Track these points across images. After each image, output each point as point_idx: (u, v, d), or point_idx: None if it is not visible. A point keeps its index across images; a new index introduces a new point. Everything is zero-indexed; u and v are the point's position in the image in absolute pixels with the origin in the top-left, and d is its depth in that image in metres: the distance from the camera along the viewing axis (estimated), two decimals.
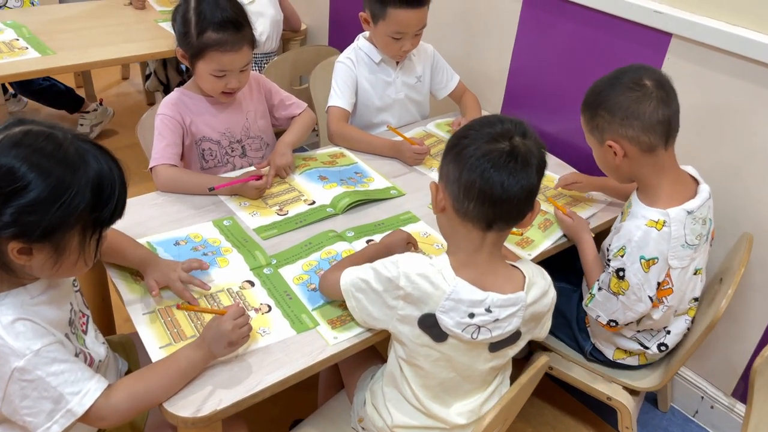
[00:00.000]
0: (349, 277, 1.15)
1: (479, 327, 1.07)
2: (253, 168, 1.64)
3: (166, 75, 3.14)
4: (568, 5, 1.88)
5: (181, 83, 3.23)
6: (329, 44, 2.87)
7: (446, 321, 1.06)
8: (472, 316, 1.05)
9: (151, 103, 3.43)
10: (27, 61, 2.20)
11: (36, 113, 3.22)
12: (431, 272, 1.06)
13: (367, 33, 1.94)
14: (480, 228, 1.07)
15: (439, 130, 1.99)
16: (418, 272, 1.06)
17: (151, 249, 1.34)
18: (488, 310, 1.06)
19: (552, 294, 1.16)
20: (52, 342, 0.95)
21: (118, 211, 0.97)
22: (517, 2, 2.03)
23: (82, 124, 3.05)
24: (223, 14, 1.47)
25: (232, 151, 1.68)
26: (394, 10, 1.74)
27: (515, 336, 1.13)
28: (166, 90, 3.18)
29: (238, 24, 1.49)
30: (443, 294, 1.05)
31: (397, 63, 1.92)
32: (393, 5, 1.74)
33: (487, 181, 1.02)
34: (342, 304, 1.21)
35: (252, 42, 1.53)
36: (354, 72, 1.89)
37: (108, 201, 0.94)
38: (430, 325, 1.07)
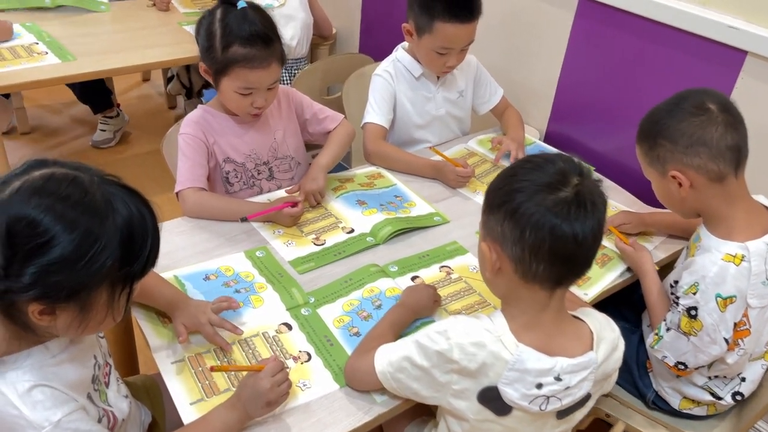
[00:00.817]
0: (385, 358, 1.01)
1: (548, 397, 0.94)
2: (283, 192, 1.53)
3: (189, 78, 3.03)
4: (626, 16, 1.74)
5: (204, 86, 3.14)
6: (360, 51, 2.75)
7: (511, 394, 0.93)
8: (540, 386, 0.93)
9: (173, 106, 3.33)
10: (46, 67, 2.10)
11: (49, 114, 3.14)
12: (489, 340, 0.93)
13: (405, 44, 1.81)
14: (548, 288, 0.94)
15: (482, 147, 1.86)
16: (473, 341, 0.93)
17: (178, 285, 1.23)
18: (558, 378, 0.93)
19: (621, 347, 1.03)
20: (74, 410, 0.84)
21: (150, 262, 0.85)
22: (569, 11, 1.89)
23: (104, 130, 2.95)
24: (252, 27, 1.35)
25: (258, 173, 1.56)
26: (442, 24, 1.61)
27: (585, 399, 1.00)
28: (188, 94, 3.08)
29: (268, 38, 1.37)
30: (505, 364, 0.92)
31: (438, 77, 1.80)
32: (442, 19, 1.61)
33: (560, 239, 0.88)
34: None
35: (282, 58, 1.41)
36: (392, 87, 1.77)
37: (139, 253, 0.82)
38: (491, 398, 0.95)
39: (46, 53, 2.18)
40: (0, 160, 2.06)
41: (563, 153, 0.96)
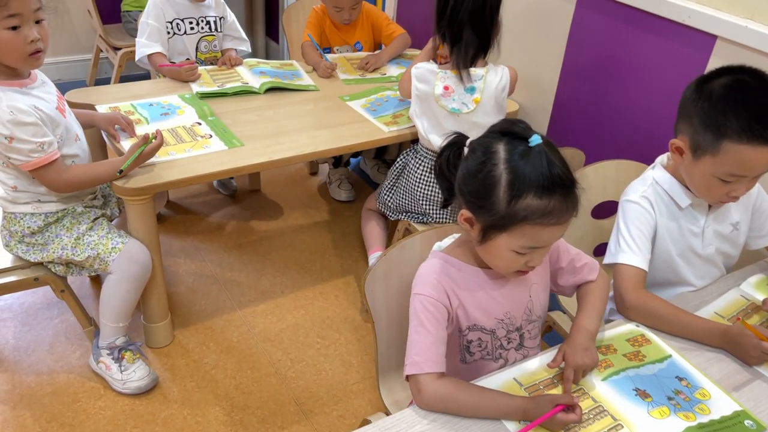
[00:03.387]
0: None
1: None
2: None
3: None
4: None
5: (353, 155, 2.88)
6: None
7: None
8: None
9: (314, 172, 3.07)
10: (213, 156, 1.87)
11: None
12: None
13: (664, 159, 1.44)
14: None
15: (760, 293, 1.44)
16: None
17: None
18: None
19: None
20: None
21: None
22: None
23: None
24: (553, 170, 1.02)
25: (509, 342, 1.21)
26: (736, 145, 1.23)
27: None
28: (336, 162, 2.82)
29: (569, 186, 1.03)
30: None
31: (710, 206, 1.41)
32: (735, 140, 1.23)
33: None
34: None
35: (576, 209, 1.07)
36: (653, 218, 1.39)
37: None
38: None
39: (210, 136, 1.94)
40: (153, 243, 1.82)
41: None
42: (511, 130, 1.07)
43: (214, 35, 2.53)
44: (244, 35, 2.63)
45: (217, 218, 2.70)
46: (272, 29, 4.20)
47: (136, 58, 2.36)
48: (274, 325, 2.16)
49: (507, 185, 1.02)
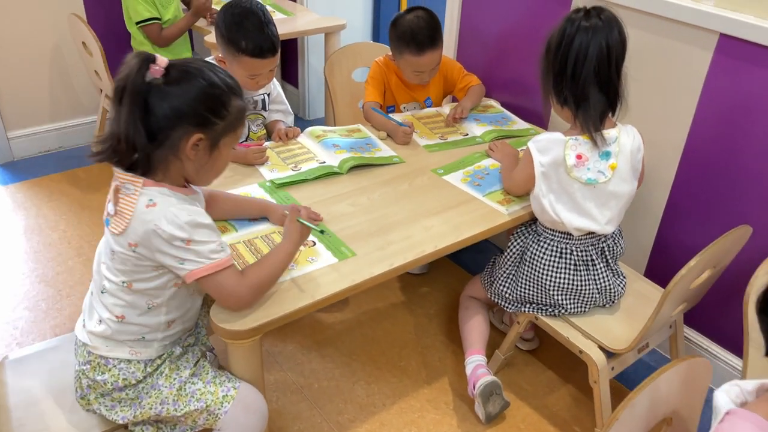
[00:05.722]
0: None
1: None
2: None
3: None
4: None
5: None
6: None
7: None
8: None
9: None
10: (326, 273, 1.51)
11: None
12: None
13: None
14: None
15: None
16: None
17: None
18: None
19: None
20: None
21: None
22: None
23: None
24: None
25: None
26: None
27: None
28: None
29: None
30: None
31: None
32: None
33: None
34: None
35: None
36: None
37: None
38: None
39: (314, 244, 1.59)
40: (260, 384, 1.47)
41: None
42: None
43: (262, 114, 2.19)
44: (289, 107, 2.30)
45: None
46: (289, 73, 3.86)
47: None
48: None
49: None
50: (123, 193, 1.27)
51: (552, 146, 1.68)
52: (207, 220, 1.30)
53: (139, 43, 3.00)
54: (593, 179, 1.68)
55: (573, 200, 1.71)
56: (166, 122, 1.23)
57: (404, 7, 3.91)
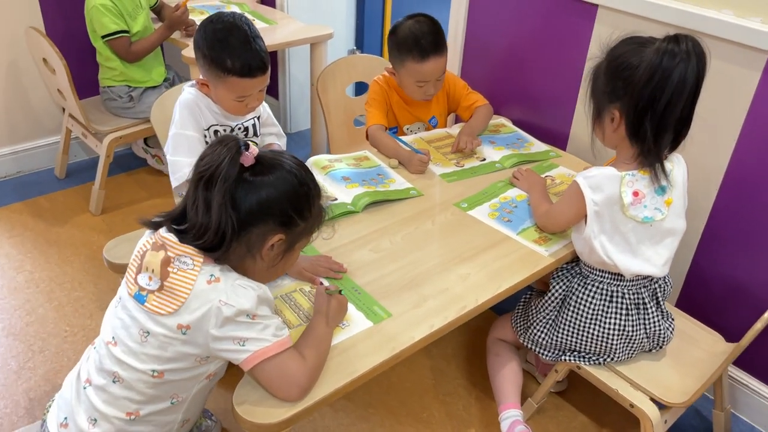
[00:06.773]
0: None
1: None
2: None
3: None
4: None
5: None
6: None
7: None
8: None
9: None
10: (362, 341, 1.30)
11: None
12: None
13: None
14: None
15: None
16: None
17: None
18: None
19: None
20: None
21: None
22: None
23: None
24: None
25: None
26: None
27: None
28: None
29: None
30: None
31: None
32: None
33: None
34: None
35: None
36: None
37: None
38: None
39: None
40: None
41: None
42: None
43: (254, 142, 1.96)
44: (281, 129, 2.07)
45: None
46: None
47: (178, 183, 1.75)
48: None
49: None
50: (176, 267, 1.09)
51: (606, 183, 1.51)
52: (269, 294, 1.18)
53: (106, 58, 2.72)
54: (650, 218, 1.52)
55: (626, 241, 1.54)
56: (249, 217, 1.11)
57: (389, 11, 3.71)
